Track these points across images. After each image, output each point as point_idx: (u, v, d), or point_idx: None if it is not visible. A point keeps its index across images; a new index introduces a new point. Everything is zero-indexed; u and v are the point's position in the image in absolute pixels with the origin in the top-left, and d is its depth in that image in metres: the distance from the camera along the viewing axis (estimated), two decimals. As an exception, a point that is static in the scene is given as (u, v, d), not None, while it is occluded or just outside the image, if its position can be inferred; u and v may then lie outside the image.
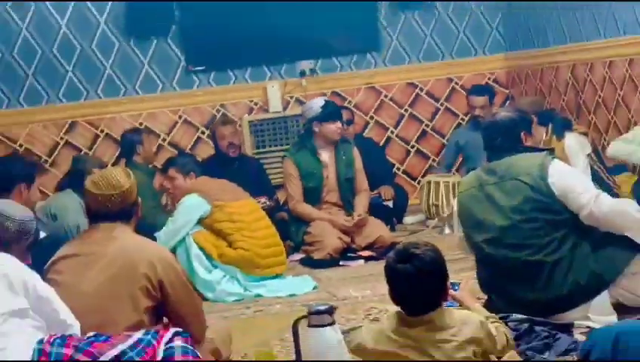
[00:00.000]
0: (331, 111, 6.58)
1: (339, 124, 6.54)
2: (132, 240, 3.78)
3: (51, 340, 3.23)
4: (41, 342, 3.22)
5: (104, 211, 3.69)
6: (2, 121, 7.31)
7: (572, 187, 4.10)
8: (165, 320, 3.77)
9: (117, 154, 7.40)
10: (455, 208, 6.87)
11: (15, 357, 3.15)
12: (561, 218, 4.09)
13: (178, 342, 3.28)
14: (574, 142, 5.71)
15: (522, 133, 4.28)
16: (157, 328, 3.46)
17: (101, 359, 3.18)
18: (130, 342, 3.28)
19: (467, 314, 3.03)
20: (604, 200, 4.11)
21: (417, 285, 2.93)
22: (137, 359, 3.20)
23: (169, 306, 3.68)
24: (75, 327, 3.41)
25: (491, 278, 4.25)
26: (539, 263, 4.08)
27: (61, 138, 7.55)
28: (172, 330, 3.38)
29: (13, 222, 3.62)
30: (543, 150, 4.36)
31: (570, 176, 4.18)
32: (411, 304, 2.96)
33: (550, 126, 5.86)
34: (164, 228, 5.50)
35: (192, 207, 5.63)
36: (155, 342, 3.28)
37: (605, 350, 2.49)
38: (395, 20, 7.98)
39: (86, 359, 3.17)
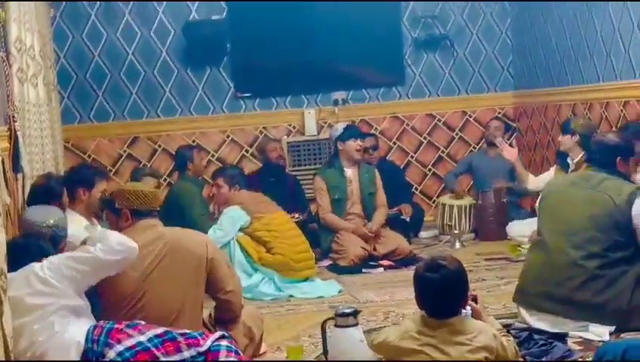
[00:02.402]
0: (352, 131, 6.67)
1: (359, 142, 6.57)
2: (177, 230, 3.81)
3: (106, 321, 3.29)
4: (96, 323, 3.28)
5: (148, 209, 3.70)
6: (74, 135, 7.36)
7: None
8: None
9: (171, 167, 7.43)
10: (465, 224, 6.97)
11: (70, 335, 3.17)
12: (626, 242, 4.03)
13: (224, 342, 3.28)
14: None
15: (618, 158, 4.21)
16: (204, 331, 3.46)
17: (147, 332, 3.21)
18: (179, 330, 3.31)
19: (483, 324, 3.04)
20: None
21: (442, 292, 2.96)
22: (180, 339, 3.21)
23: (217, 281, 3.69)
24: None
25: (536, 264, 4.21)
26: (584, 268, 4.02)
27: (124, 151, 7.61)
28: (219, 333, 3.38)
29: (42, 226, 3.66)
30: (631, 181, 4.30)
31: None
32: (435, 308, 2.98)
33: None
34: (210, 233, 5.49)
35: (234, 217, 5.66)
36: (200, 338, 3.27)
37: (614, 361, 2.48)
38: (419, 59, 7.98)
39: (134, 332, 3.20)
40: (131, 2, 7.51)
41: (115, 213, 3.74)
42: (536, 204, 4.48)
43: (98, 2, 7.47)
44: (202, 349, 3.22)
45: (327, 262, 6.39)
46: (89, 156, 7.51)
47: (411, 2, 7.89)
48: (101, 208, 4.09)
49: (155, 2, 7.55)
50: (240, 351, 3.36)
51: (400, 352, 2.97)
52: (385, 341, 3.02)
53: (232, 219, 5.66)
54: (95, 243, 3.38)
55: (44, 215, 3.80)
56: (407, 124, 8.00)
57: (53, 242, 3.66)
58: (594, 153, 4.31)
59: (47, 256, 3.40)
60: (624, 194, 4.05)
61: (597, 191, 4.12)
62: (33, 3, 5.29)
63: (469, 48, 8.04)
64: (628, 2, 6.02)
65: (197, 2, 7.58)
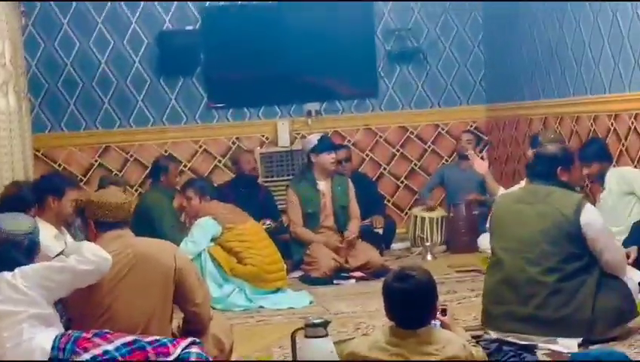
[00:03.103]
0: (326, 144, 6.62)
1: (333, 155, 6.55)
2: (146, 241, 3.76)
3: (74, 330, 3.27)
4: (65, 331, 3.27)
5: (116, 220, 3.62)
6: (45, 143, 7.31)
7: (599, 234, 4.07)
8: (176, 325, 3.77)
9: (143, 177, 7.39)
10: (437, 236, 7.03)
11: (37, 342, 3.15)
12: (581, 253, 4.05)
13: (194, 349, 3.26)
14: None
15: (559, 168, 4.22)
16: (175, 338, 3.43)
17: (115, 341, 3.18)
18: (148, 338, 3.28)
19: (452, 335, 3.06)
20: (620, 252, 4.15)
21: (411, 302, 2.96)
22: (148, 348, 3.19)
23: (185, 293, 3.62)
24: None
25: (496, 284, 4.19)
26: (544, 284, 4.03)
27: (95, 160, 7.56)
28: (189, 339, 3.35)
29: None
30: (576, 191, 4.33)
31: (599, 223, 4.12)
32: (404, 319, 2.98)
33: None
34: (182, 245, 5.46)
35: (205, 228, 5.64)
36: (170, 345, 3.24)
37: None
38: (392, 72, 8.03)
39: (102, 341, 3.17)
40: (105, 11, 7.49)
41: (85, 223, 3.71)
42: (487, 224, 4.46)
43: (71, 11, 7.43)
44: (171, 358, 3.19)
45: (298, 274, 6.38)
46: (59, 165, 7.45)
47: (385, 15, 7.94)
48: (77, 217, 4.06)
49: (128, 12, 7.53)
50: (210, 359, 3.33)
51: (370, 363, 2.97)
52: (354, 351, 3.02)
53: (204, 229, 5.64)
54: (69, 255, 3.36)
55: (18, 223, 3.75)
56: (380, 136, 8.03)
57: (27, 251, 3.61)
58: (535, 166, 4.30)
59: (20, 266, 3.35)
60: (571, 204, 4.07)
61: (544, 204, 4.12)
62: (3, 12, 5.25)
63: (441, 61, 8.10)
64: (598, 19, 6.10)
65: (170, 12, 7.57)
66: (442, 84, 8.11)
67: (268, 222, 6.56)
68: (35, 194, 4.50)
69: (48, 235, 4.27)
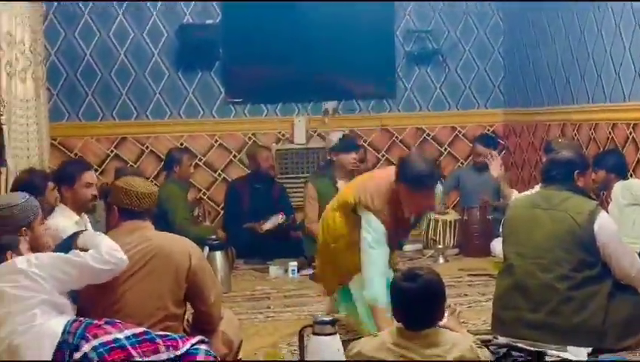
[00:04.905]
0: (347, 143, 6.58)
1: (354, 155, 6.51)
2: (164, 236, 3.71)
3: (86, 318, 3.29)
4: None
5: (138, 209, 3.61)
6: (62, 132, 7.32)
7: (611, 239, 4.03)
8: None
9: (159, 169, 7.41)
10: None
11: (47, 326, 3.18)
12: (593, 261, 4.00)
13: (203, 346, 3.27)
14: None
15: (576, 173, 4.19)
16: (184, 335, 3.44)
17: (126, 331, 3.20)
18: (159, 332, 3.30)
19: (459, 336, 3.04)
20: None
21: (419, 302, 2.95)
22: (158, 340, 3.20)
23: (199, 292, 3.60)
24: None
25: (507, 289, 4.15)
26: (556, 290, 3.99)
27: (111, 151, 7.57)
28: (198, 337, 3.35)
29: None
30: (592, 198, 4.28)
31: (612, 229, 4.07)
32: (412, 319, 2.97)
33: None
34: None
35: None
36: (180, 341, 3.26)
37: None
38: (410, 73, 8.01)
39: (113, 329, 3.20)
40: (125, 2, 7.50)
41: (109, 207, 3.72)
42: (501, 228, 4.42)
43: (91, 1, 7.46)
44: (180, 352, 3.21)
45: (309, 271, 6.36)
46: (75, 154, 7.45)
47: (405, 16, 7.91)
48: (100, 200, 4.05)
49: (149, 4, 7.55)
50: (218, 358, 3.34)
51: (375, 364, 2.95)
52: (361, 351, 3.01)
53: None
54: (86, 246, 3.37)
55: (5, 198, 3.78)
56: (397, 137, 8.01)
57: (8, 225, 3.58)
58: (550, 172, 4.24)
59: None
60: (585, 212, 4.02)
61: (558, 210, 4.08)
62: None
63: (461, 64, 8.07)
64: (620, 26, 6.05)
65: (191, 6, 7.58)
66: (461, 86, 8.08)
67: (280, 217, 6.54)
68: (55, 183, 4.56)
69: (70, 221, 4.36)
